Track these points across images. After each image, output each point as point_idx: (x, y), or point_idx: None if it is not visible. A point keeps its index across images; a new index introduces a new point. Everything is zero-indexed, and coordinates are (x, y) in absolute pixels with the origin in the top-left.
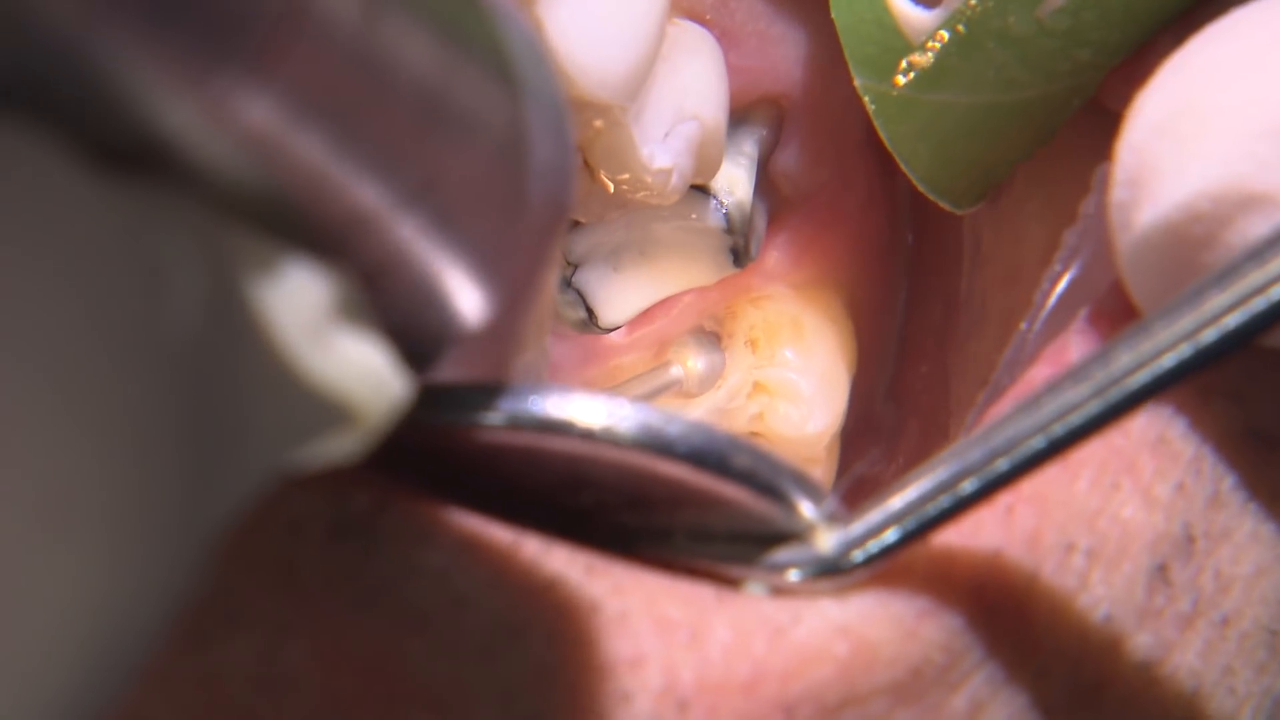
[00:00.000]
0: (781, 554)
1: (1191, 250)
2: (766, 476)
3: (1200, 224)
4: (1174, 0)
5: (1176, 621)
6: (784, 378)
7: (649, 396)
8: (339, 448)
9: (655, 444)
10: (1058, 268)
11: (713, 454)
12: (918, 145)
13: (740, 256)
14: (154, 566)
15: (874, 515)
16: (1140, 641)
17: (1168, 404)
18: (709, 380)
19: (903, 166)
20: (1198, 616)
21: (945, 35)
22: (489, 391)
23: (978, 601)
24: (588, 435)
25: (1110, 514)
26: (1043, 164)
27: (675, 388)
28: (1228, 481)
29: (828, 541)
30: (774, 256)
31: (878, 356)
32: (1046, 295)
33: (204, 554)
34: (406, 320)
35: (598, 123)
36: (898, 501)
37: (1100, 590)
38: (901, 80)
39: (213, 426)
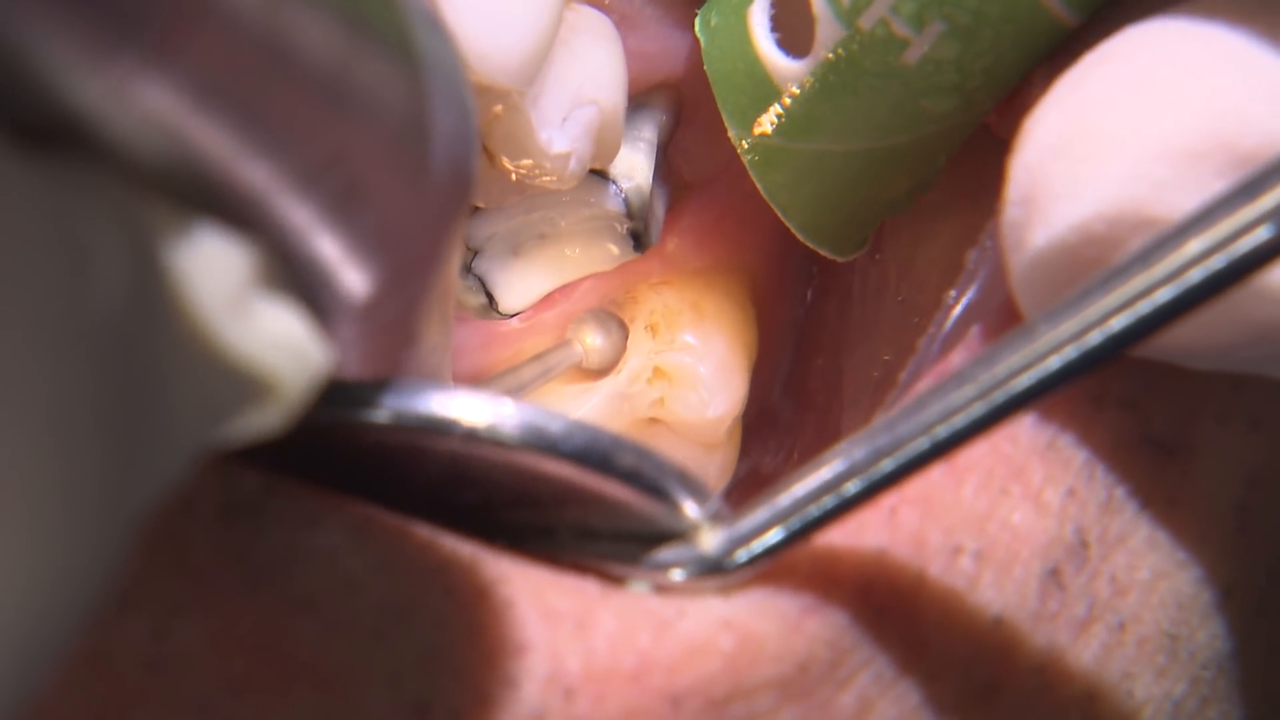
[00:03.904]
0: (665, 553)
1: (1084, 271)
2: (651, 476)
3: (1094, 246)
4: (1039, 48)
5: (1071, 625)
6: (684, 363)
7: (547, 375)
8: (261, 422)
9: (539, 443)
10: (954, 293)
11: (597, 453)
12: (794, 194)
13: (640, 241)
14: (77, 553)
15: (757, 515)
16: (1034, 644)
17: (1058, 412)
18: (610, 357)
19: (780, 215)
20: (1094, 621)
21: (812, 83)
22: (373, 388)
23: (864, 600)
24: (471, 434)
25: (999, 519)
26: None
27: (574, 364)
28: (1122, 488)
29: (711, 541)
30: (674, 241)
31: (778, 346)
32: (943, 320)
33: (129, 537)
34: (311, 292)
35: (497, 108)
36: (781, 501)
37: (990, 593)
38: (771, 129)
39: (137, 406)
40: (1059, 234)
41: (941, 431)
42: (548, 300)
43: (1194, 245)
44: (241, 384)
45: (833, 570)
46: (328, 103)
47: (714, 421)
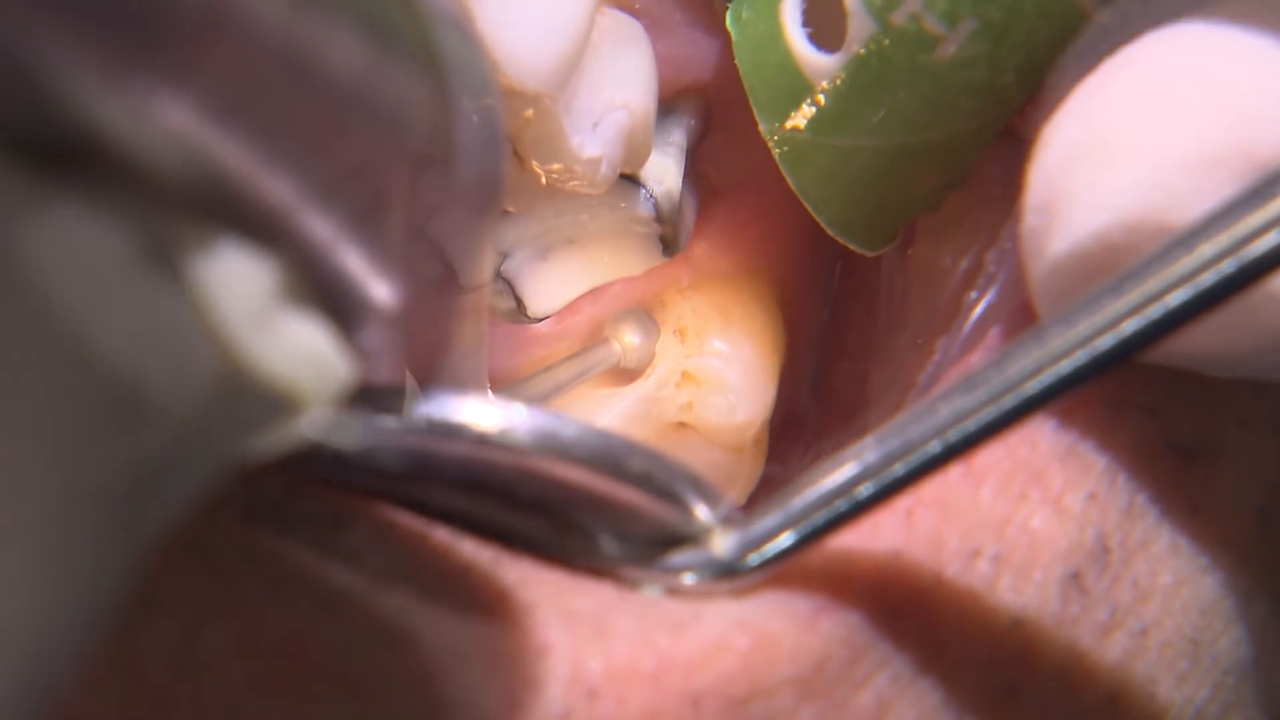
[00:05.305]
0: (677, 557)
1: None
2: (663, 480)
3: (1113, 253)
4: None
5: (1093, 630)
6: (713, 367)
7: (585, 375)
8: (284, 435)
9: (551, 448)
10: (974, 294)
11: (609, 457)
12: (825, 189)
13: (669, 246)
14: (86, 569)
15: (770, 519)
16: (1054, 648)
17: (1079, 417)
18: (646, 357)
19: (810, 210)
20: (1115, 626)
21: (844, 78)
22: (388, 393)
23: (879, 601)
24: (482, 439)
25: (1018, 522)
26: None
27: (613, 364)
28: (1144, 493)
29: (723, 545)
30: (703, 246)
31: (804, 349)
32: (963, 322)
33: (150, 549)
34: (340, 302)
35: (528, 112)
36: (793, 505)
37: (1009, 596)
38: (803, 124)
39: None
40: (1078, 242)
41: (953, 435)
42: (576, 305)
43: (1206, 249)
44: (266, 397)
45: (847, 571)
46: (350, 114)
47: (741, 426)
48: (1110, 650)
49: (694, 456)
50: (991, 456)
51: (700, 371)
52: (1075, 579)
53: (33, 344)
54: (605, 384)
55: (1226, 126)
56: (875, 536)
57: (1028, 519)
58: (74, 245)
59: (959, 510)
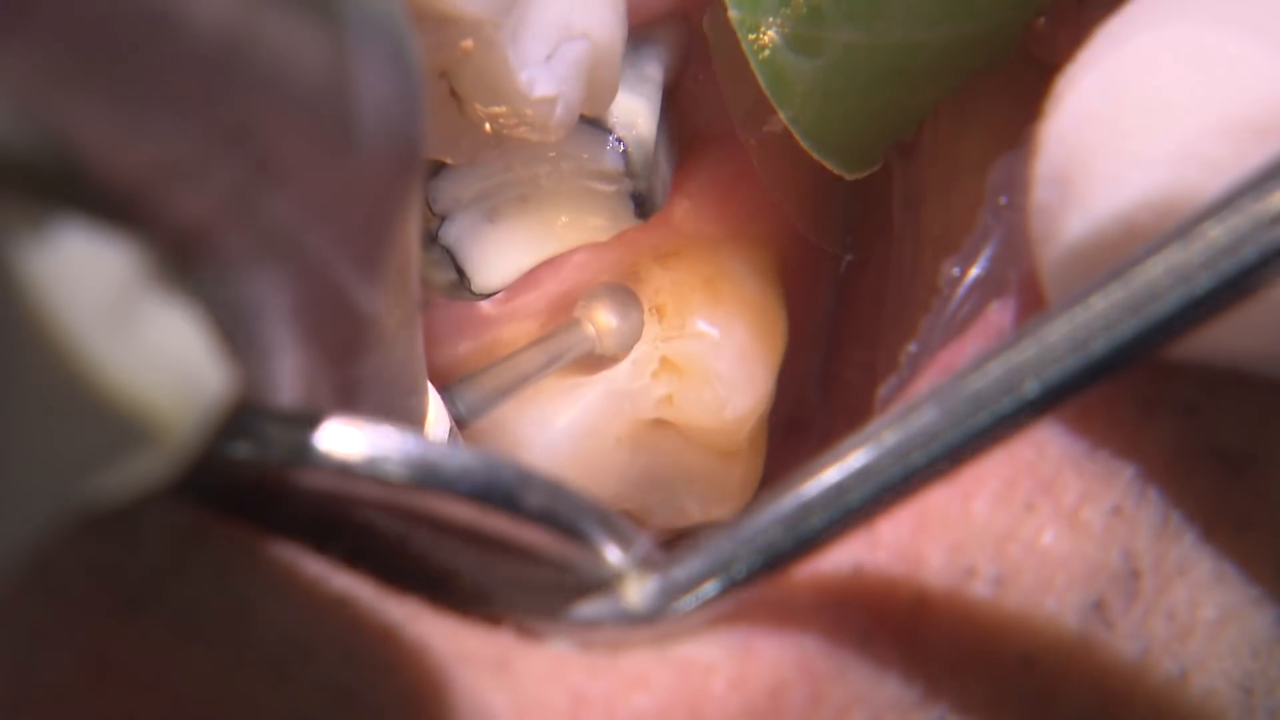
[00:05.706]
0: (586, 608)
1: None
2: (566, 517)
3: (1140, 239)
4: None
5: (1121, 672)
6: (696, 352)
7: (551, 365)
8: (139, 472)
9: (431, 481)
10: (955, 271)
11: (500, 491)
12: (808, 92)
13: (643, 205)
14: None
15: (692, 564)
16: (1073, 693)
17: (1099, 417)
18: (628, 338)
19: (783, 117)
20: (1149, 668)
21: None
22: (241, 413)
23: (835, 626)
24: (346, 470)
25: (1024, 539)
26: (982, 124)
27: (585, 351)
28: (1181, 509)
29: (637, 593)
30: (684, 205)
31: (810, 332)
32: (945, 301)
33: None
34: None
35: (466, 43)
36: (723, 546)
37: (1016, 628)
38: (793, 18)
39: None
40: (1099, 224)
41: (936, 447)
42: (531, 278)
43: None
44: (114, 422)
45: (795, 591)
46: (224, 71)
47: (732, 424)
48: (1142, 697)
49: (677, 461)
50: (986, 461)
51: (682, 357)
52: (1098, 609)
53: None
54: (573, 373)
55: (1277, 88)
56: (841, 554)
57: (1036, 535)
58: None
59: (942, 522)
